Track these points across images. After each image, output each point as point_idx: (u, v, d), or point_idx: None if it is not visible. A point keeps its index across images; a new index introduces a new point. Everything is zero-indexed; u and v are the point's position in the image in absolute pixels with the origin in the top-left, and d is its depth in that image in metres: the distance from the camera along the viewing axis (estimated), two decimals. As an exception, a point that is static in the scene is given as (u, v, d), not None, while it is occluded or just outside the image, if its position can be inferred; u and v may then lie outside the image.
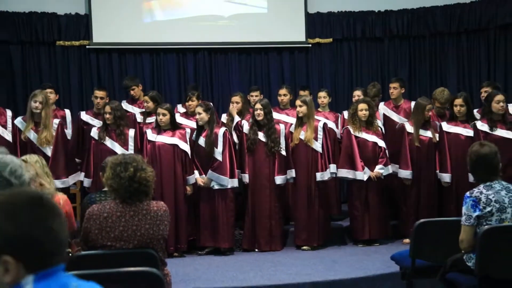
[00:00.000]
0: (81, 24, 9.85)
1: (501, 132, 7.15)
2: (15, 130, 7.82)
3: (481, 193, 4.57)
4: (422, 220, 5.29)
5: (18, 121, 7.72)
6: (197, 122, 7.60)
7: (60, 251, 1.75)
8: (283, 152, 7.58)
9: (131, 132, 7.59)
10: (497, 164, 4.71)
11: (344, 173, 7.71)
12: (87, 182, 7.50)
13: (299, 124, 7.74)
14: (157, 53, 10.17)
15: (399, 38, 10.65)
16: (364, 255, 7.19)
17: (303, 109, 7.58)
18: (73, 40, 9.82)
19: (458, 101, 7.59)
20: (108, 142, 7.47)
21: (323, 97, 8.68)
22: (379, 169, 7.67)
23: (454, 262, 4.72)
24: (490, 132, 7.17)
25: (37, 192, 1.84)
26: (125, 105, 8.52)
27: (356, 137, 7.72)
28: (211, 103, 8.17)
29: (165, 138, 7.44)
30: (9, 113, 8.10)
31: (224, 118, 8.36)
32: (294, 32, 10.31)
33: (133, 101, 8.76)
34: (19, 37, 9.61)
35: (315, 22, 10.43)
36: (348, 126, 7.84)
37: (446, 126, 7.65)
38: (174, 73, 10.13)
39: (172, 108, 7.75)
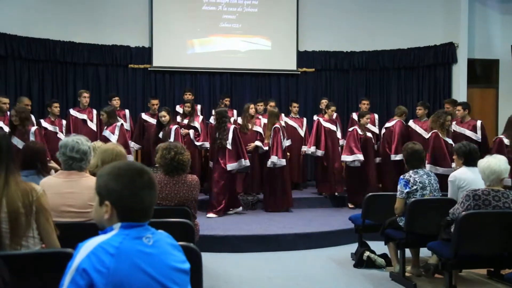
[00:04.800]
0: (145, 53, 9.79)
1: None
2: (98, 122, 7.98)
3: (410, 176, 4.57)
4: (370, 194, 5.27)
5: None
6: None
7: (144, 212, 1.67)
8: (228, 146, 6.93)
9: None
10: (423, 157, 4.71)
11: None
12: None
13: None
14: (195, 75, 10.07)
15: (359, 70, 10.53)
16: (330, 216, 7.14)
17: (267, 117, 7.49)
18: (140, 64, 9.75)
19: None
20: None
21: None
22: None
23: (390, 222, 4.73)
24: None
25: (142, 168, 1.71)
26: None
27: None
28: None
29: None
30: (94, 111, 8.11)
31: (239, 120, 8.26)
32: (289, 63, 10.21)
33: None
34: (104, 61, 9.58)
35: (303, 57, 10.32)
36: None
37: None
38: (207, 89, 10.07)
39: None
